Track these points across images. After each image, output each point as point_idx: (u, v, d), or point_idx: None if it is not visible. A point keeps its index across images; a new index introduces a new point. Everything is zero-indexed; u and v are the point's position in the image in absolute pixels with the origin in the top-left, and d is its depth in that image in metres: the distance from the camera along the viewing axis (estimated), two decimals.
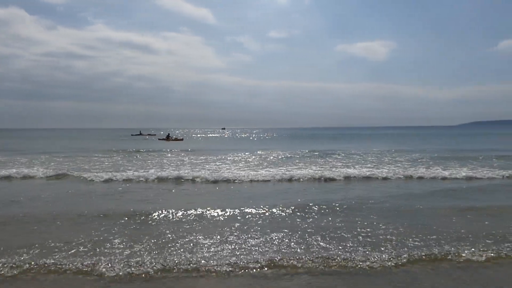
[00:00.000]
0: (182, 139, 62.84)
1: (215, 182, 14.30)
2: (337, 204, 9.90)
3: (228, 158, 24.72)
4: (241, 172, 16.55)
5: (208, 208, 9.29)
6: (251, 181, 14.58)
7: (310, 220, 8.36)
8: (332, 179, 14.88)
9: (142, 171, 17.15)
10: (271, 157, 25.86)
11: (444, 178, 15.22)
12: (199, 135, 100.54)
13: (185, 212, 8.90)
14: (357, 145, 43.38)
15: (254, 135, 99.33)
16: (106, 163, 21.64)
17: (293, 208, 9.38)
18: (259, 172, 16.41)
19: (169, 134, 62.92)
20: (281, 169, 18.02)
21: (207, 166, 19.69)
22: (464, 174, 15.82)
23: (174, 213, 8.82)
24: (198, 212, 8.94)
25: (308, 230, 7.48)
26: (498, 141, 49.82)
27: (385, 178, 15.14)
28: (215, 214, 8.78)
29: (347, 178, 15.16)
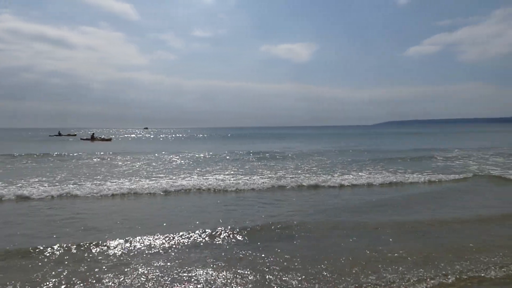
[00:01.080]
0: (110, 140, 58.69)
1: (126, 195, 12.84)
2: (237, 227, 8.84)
3: (165, 160, 23.10)
4: (160, 179, 15.29)
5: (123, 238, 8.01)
6: (169, 192, 13.37)
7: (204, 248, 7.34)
8: (244, 190, 13.51)
9: (46, 184, 15.01)
10: (191, 161, 24.73)
11: (369, 185, 14.75)
12: (128, 135, 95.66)
13: (86, 247, 7.50)
14: (279, 145, 44.18)
15: (179, 135, 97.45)
16: (6, 170, 18.73)
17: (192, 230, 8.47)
18: (177, 182, 15.25)
19: (93, 134, 58.35)
20: (190, 176, 17.09)
21: (127, 172, 18.00)
22: (382, 179, 15.52)
23: (75, 249, 7.32)
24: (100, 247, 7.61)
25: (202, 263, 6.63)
26: (412, 141, 53.65)
27: (309, 186, 14.40)
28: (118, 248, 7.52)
29: (254, 189, 13.68)
